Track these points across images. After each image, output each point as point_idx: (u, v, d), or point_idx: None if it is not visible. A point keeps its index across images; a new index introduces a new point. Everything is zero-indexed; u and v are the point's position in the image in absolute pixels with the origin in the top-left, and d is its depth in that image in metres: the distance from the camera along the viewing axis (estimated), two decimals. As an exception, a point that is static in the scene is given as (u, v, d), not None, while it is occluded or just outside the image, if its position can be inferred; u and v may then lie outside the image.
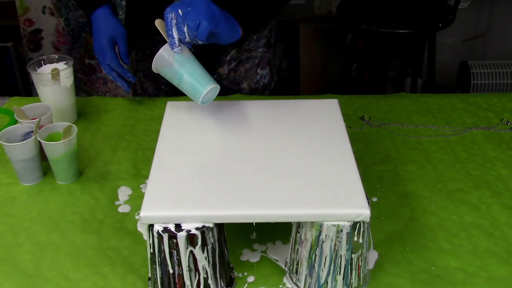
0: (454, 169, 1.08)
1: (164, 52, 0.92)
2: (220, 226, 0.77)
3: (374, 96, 1.32)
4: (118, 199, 1.01)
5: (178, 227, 0.74)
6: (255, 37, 1.35)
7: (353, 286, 0.80)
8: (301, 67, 2.71)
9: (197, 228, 0.74)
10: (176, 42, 0.91)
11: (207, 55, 1.34)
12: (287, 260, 0.85)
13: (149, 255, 0.77)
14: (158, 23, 0.94)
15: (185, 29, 0.90)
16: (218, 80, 1.37)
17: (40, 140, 0.99)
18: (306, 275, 0.79)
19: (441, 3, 2.22)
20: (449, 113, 1.25)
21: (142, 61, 1.39)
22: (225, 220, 0.75)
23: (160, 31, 0.94)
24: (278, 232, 0.91)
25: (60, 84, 1.15)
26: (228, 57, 1.35)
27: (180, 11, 0.90)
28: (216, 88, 0.93)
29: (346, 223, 0.74)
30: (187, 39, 0.92)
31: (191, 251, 0.74)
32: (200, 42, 0.93)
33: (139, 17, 1.30)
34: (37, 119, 1.04)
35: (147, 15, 1.28)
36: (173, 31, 0.90)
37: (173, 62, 0.92)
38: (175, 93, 1.35)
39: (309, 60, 2.71)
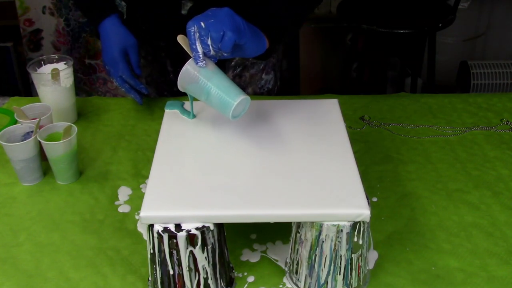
0: (454, 169, 1.08)
1: (189, 68, 0.88)
2: (220, 226, 0.77)
3: (374, 96, 1.32)
4: (118, 199, 1.01)
5: (178, 227, 0.74)
6: None
7: (353, 286, 0.80)
8: (301, 67, 2.71)
9: (197, 228, 0.74)
10: (201, 56, 0.87)
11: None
12: (287, 260, 0.85)
13: (149, 255, 0.77)
14: (180, 38, 0.91)
15: (209, 42, 0.86)
16: None
17: (40, 140, 0.99)
18: (306, 275, 0.79)
19: (441, 3, 2.22)
20: (449, 113, 1.25)
21: (144, 67, 1.37)
22: (225, 220, 0.75)
23: (184, 46, 0.90)
24: (278, 232, 0.91)
25: (60, 84, 1.15)
26: (233, 63, 1.33)
27: (202, 24, 0.85)
28: (247, 99, 0.88)
29: (346, 223, 0.74)
30: (212, 52, 0.87)
31: (191, 251, 0.74)
32: (225, 55, 0.88)
33: (140, 22, 1.28)
34: (37, 119, 1.04)
35: (147, 21, 1.27)
36: (197, 44, 0.86)
37: (199, 77, 0.87)
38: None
39: (309, 60, 2.71)
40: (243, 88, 1.37)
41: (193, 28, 0.86)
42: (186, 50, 0.89)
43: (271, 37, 0.96)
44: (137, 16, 1.27)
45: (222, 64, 1.33)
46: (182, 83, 0.90)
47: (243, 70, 1.34)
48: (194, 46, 0.86)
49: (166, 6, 1.21)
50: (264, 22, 0.96)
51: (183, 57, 1.31)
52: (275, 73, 1.40)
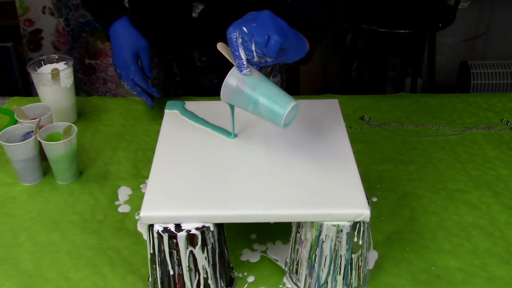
0: (454, 169, 1.08)
1: (232, 78, 0.82)
2: (220, 226, 0.77)
3: (374, 96, 1.32)
4: (118, 199, 1.01)
5: (178, 227, 0.74)
6: None
7: (353, 286, 0.80)
8: (301, 67, 2.71)
9: (197, 228, 0.74)
10: (245, 63, 0.81)
11: (219, 64, 1.32)
12: (287, 260, 0.85)
13: (149, 255, 0.77)
14: (220, 46, 0.85)
15: (253, 47, 0.80)
16: None
17: (40, 140, 0.99)
18: (306, 275, 0.79)
19: (441, 3, 2.22)
20: (449, 113, 1.25)
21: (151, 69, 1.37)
22: (225, 220, 0.75)
23: (225, 54, 0.85)
24: (278, 232, 0.91)
25: (60, 84, 1.15)
26: None
27: (245, 29, 0.80)
28: (297, 106, 0.82)
29: (346, 223, 0.74)
30: (255, 58, 0.82)
31: (191, 251, 0.74)
32: (269, 61, 0.83)
33: (146, 24, 1.26)
34: (37, 119, 1.04)
35: (156, 23, 1.26)
36: (240, 51, 0.81)
37: (244, 86, 0.82)
38: (192, 93, 1.34)
39: (309, 60, 2.70)
40: None
41: (234, 34, 0.80)
42: (228, 58, 0.84)
43: (310, 38, 0.92)
44: (142, 18, 1.25)
45: (230, 68, 1.32)
46: (226, 94, 0.83)
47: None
48: (237, 53, 0.81)
49: (177, 8, 1.21)
50: (302, 22, 0.91)
51: (190, 60, 1.31)
52: (282, 76, 1.39)
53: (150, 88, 1.19)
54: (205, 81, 1.33)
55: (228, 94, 0.83)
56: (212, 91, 1.34)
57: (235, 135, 0.90)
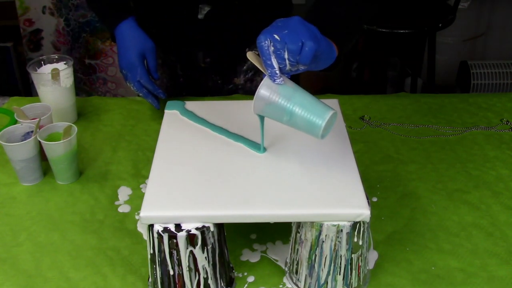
0: (454, 169, 1.08)
1: (265, 89, 0.78)
2: (220, 226, 0.77)
3: (374, 96, 1.32)
4: (118, 199, 1.01)
5: (178, 227, 0.74)
6: None
7: (353, 286, 0.80)
8: (301, 67, 2.71)
9: (197, 228, 0.74)
10: (278, 72, 0.78)
11: (223, 65, 1.31)
12: (287, 260, 0.85)
13: (149, 255, 0.77)
14: (250, 55, 0.82)
15: (286, 55, 0.77)
16: (233, 90, 1.34)
17: (40, 140, 0.99)
18: (306, 275, 0.79)
19: (441, 3, 2.22)
20: (449, 113, 1.25)
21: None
22: (225, 220, 0.75)
23: (255, 63, 0.81)
24: (278, 232, 0.91)
25: (60, 84, 1.15)
26: (245, 67, 1.31)
27: (276, 36, 0.76)
28: (335, 114, 0.79)
29: (346, 223, 0.74)
30: (288, 67, 0.78)
31: (191, 251, 0.74)
32: (302, 69, 0.80)
33: (151, 26, 1.25)
34: (37, 119, 1.04)
35: (162, 25, 1.26)
36: (272, 60, 0.77)
37: (278, 97, 0.78)
38: (196, 94, 1.34)
39: (309, 60, 2.70)
40: (255, 92, 1.35)
41: (266, 42, 0.77)
42: (259, 67, 0.81)
43: (339, 43, 0.87)
44: (146, 19, 1.24)
45: (234, 69, 1.32)
46: (258, 105, 0.80)
47: (254, 74, 1.33)
48: (269, 62, 0.77)
49: (183, 10, 1.21)
50: (329, 26, 0.86)
51: (194, 61, 1.30)
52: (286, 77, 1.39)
53: (156, 89, 1.18)
54: (208, 82, 1.33)
55: (260, 105, 0.79)
56: (215, 92, 1.34)
57: (265, 149, 0.86)
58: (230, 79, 1.32)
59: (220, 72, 1.31)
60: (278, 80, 0.78)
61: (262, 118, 0.84)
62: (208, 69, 1.31)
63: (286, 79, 0.79)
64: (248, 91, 1.34)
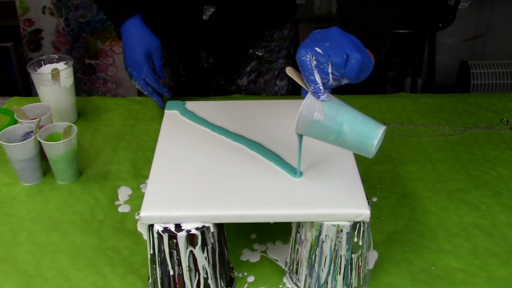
0: (454, 169, 1.07)
1: (308, 108, 0.73)
2: (220, 226, 0.77)
3: (374, 96, 1.32)
4: (118, 199, 1.01)
5: (178, 227, 0.74)
6: (276, 48, 1.32)
7: (353, 286, 0.80)
8: (301, 67, 2.70)
9: (197, 228, 0.74)
10: (321, 88, 0.73)
11: (226, 66, 1.31)
12: (287, 260, 0.85)
13: (149, 255, 0.77)
14: (290, 71, 0.77)
15: (329, 69, 0.73)
16: (236, 91, 1.34)
17: (40, 140, 0.99)
18: (306, 275, 0.79)
19: (441, 3, 2.22)
20: (449, 113, 1.25)
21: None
22: (225, 220, 0.75)
23: (295, 79, 0.76)
24: (278, 232, 0.91)
25: (60, 84, 1.15)
26: (248, 68, 1.32)
27: (318, 49, 0.72)
28: (385, 130, 0.73)
29: (346, 223, 0.74)
30: (331, 81, 0.74)
31: (191, 251, 0.74)
32: (345, 82, 0.76)
33: (156, 25, 1.24)
34: (37, 119, 1.04)
35: (166, 25, 1.26)
36: (315, 75, 0.72)
37: (324, 115, 0.72)
38: (196, 94, 1.34)
39: (309, 60, 2.70)
40: (257, 94, 1.35)
41: (307, 56, 0.72)
42: (300, 83, 0.75)
43: (375, 51, 0.82)
44: (150, 18, 1.23)
45: (237, 71, 1.32)
46: (302, 125, 0.74)
47: (257, 76, 1.33)
48: (312, 78, 0.72)
49: (188, 10, 1.20)
50: (364, 34, 0.80)
51: (197, 61, 1.30)
52: (288, 79, 1.39)
53: (162, 88, 1.17)
54: (211, 83, 1.33)
55: (304, 125, 0.74)
56: (218, 92, 1.34)
57: (301, 174, 0.80)
58: (233, 80, 1.32)
59: (223, 73, 1.31)
60: (322, 97, 0.73)
61: (301, 137, 0.78)
62: (211, 70, 1.31)
63: (330, 95, 0.74)
64: (251, 93, 1.34)
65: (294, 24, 1.37)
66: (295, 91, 1.37)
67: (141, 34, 1.16)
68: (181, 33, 1.25)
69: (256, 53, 1.31)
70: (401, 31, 2.05)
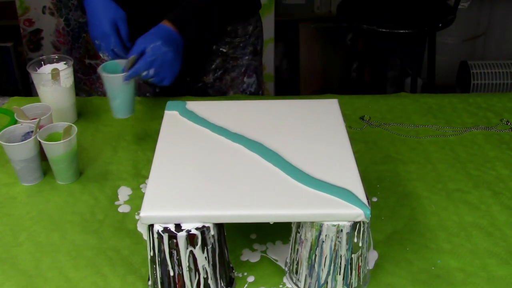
0: (454, 169, 1.08)
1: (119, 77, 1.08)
2: (220, 226, 0.77)
3: (374, 96, 1.32)
4: (118, 199, 1.01)
5: (178, 227, 0.74)
6: (241, 45, 1.33)
7: (353, 286, 0.80)
8: (301, 67, 2.71)
9: (197, 228, 0.74)
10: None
11: (192, 63, 1.31)
12: (287, 260, 0.85)
13: (149, 255, 0.77)
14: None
15: (143, 74, 1.07)
16: (203, 88, 1.36)
17: (40, 140, 0.99)
18: (306, 275, 0.79)
19: (441, 3, 2.22)
20: (449, 113, 1.25)
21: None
22: (225, 220, 0.75)
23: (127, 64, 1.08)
24: (278, 232, 0.91)
25: (60, 84, 1.15)
26: (213, 66, 1.33)
27: (151, 71, 1.07)
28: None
29: (346, 223, 0.74)
30: (137, 79, 1.07)
31: (191, 251, 0.74)
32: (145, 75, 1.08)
33: (134, 17, 1.24)
34: (37, 119, 1.04)
35: (138, 15, 1.26)
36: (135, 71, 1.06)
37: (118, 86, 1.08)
38: (169, 94, 1.34)
39: (309, 60, 2.71)
40: (225, 91, 1.36)
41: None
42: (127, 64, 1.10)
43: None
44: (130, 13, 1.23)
45: (202, 67, 1.32)
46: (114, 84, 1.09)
47: (223, 73, 1.34)
48: (133, 70, 1.05)
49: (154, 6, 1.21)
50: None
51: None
52: (258, 77, 1.39)
53: (129, 57, 1.17)
54: (177, 80, 1.33)
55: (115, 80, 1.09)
56: (185, 91, 1.34)
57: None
58: (200, 77, 1.33)
59: (189, 71, 1.31)
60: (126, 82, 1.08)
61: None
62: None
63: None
64: (218, 90, 1.35)
65: (260, 20, 1.38)
66: (289, 87, 1.38)
67: (106, 6, 1.17)
68: (142, 30, 1.25)
69: (220, 49, 1.31)
70: (401, 31, 2.05)
